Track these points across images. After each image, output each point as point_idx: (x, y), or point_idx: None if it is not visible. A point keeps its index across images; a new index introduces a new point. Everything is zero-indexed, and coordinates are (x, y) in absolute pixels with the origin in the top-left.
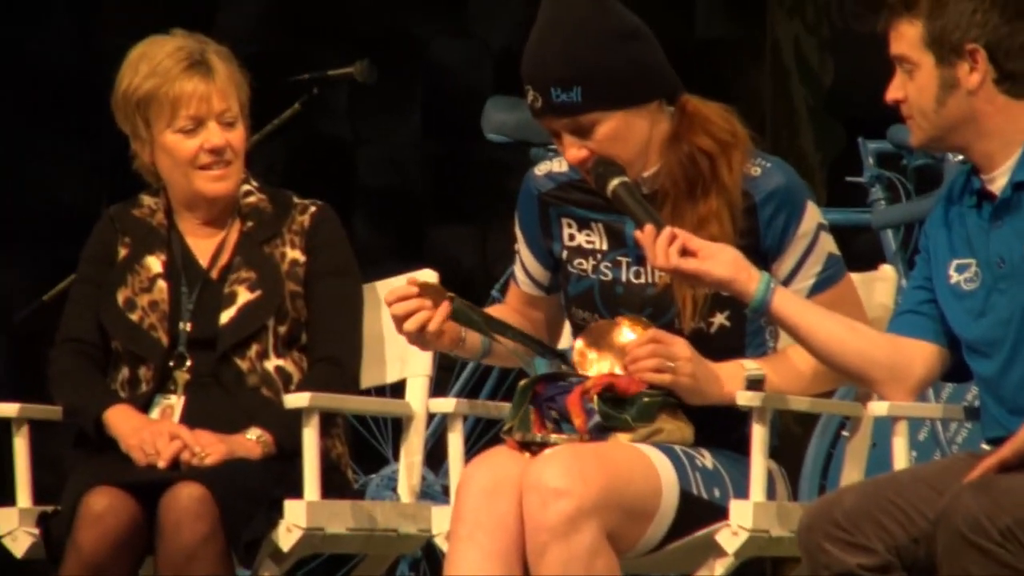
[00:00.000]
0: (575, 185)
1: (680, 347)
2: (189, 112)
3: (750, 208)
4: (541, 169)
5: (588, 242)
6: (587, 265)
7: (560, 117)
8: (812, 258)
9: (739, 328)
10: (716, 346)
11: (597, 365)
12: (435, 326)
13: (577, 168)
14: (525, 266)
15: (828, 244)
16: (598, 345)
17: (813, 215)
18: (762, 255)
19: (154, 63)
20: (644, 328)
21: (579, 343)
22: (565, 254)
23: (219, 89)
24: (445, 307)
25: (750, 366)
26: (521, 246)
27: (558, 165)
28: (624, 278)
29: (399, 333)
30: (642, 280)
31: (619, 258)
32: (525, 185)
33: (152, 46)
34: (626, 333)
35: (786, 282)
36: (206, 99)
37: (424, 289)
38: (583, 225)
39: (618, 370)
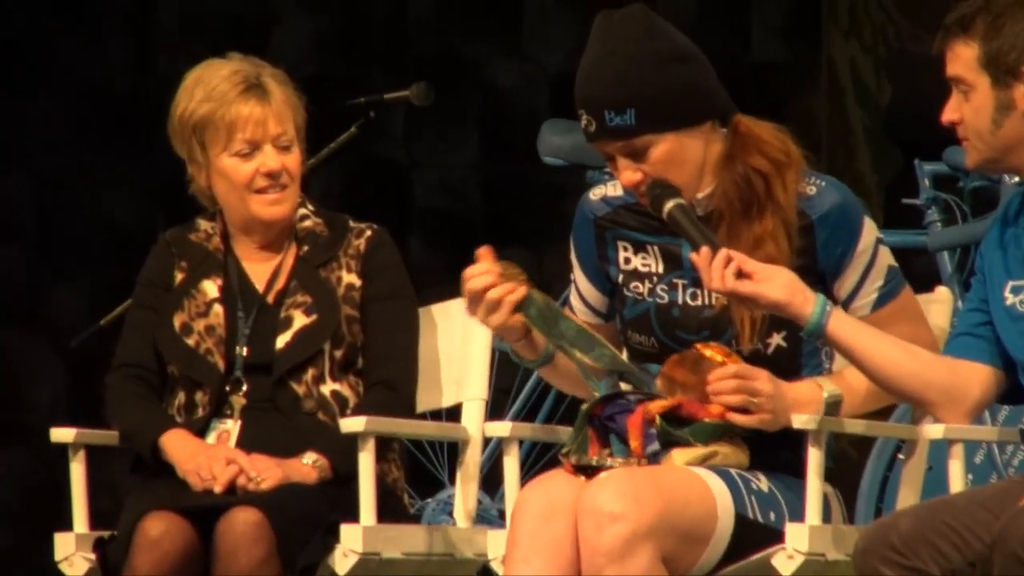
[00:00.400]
0: (630, 208)
1: (763, 382)
2: (245, 136)
3: (806, 227)
4: (596, 193)
5: (644, 265)
6: (643, 288)
7: (614, 140)
8: (873, 273)
9: (796, 349)
10: (773, 367)
11: (679, 392)
12: (506, 302)
13: (632, 191)
14: (581, 293)
15: (887, 257)
16: (682, 372)
17: (871, 230)
18: (819, 275)
19: (210, 87)
20: (727, 357)
21: (663, 369)
22: (621, 278)
23: (275, 112)
24: (521, 289)
25: (828, 387)
26: (577, 272)
27: (612, 189)
28: (681, 300)
29: (468, 310)
30: (699, 302)
31: (675, 280)
32: (580, 210)
33: (208, 70)
34: (712, 362)
35: (849, 299)
36: (262, 123)
37: (505, 271)
38: (639, 248)
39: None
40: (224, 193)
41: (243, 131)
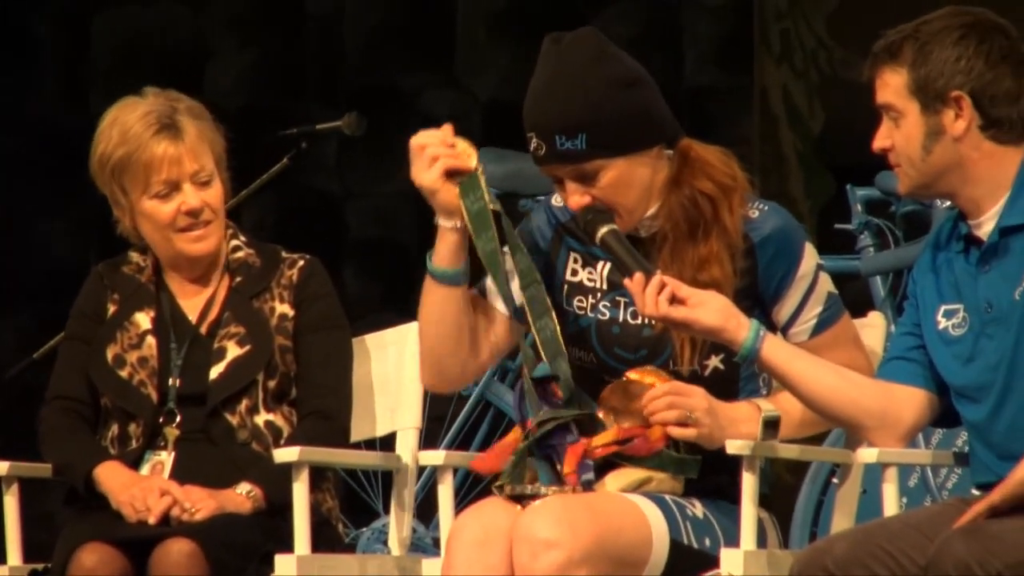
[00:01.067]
0: None
1: (698, 398)
2: (161, 177)
3: (748, 250)
4: (558, 201)
5: (589, 280)
6: (586, 303)
7: (564, 164)
8: (813, 299)
9: (733, 372)
10: (710, 389)
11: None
12: (441, 162)
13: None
14: (508, 283)
15: (827, 284)
16: (617, 399)
17: (811, 256)
18: (758, 298)
19: (124, 129)
20: (657, 378)
21: (602, 396)
22: (566, 289)
23: (189, 150)
24: (464, 161)
25: (766, 407)
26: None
27: None
28: (622, 318)
29: (414, 165)
30: (639, 321)
31: (618, 298)
32: (544, 210)
33: (123, 111)
34: (642, 385)
35: (788, 324)
36: (176, 162)
37: (458, 144)
38: (587, 262)
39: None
40: (149, 233)
41: (159, 172)
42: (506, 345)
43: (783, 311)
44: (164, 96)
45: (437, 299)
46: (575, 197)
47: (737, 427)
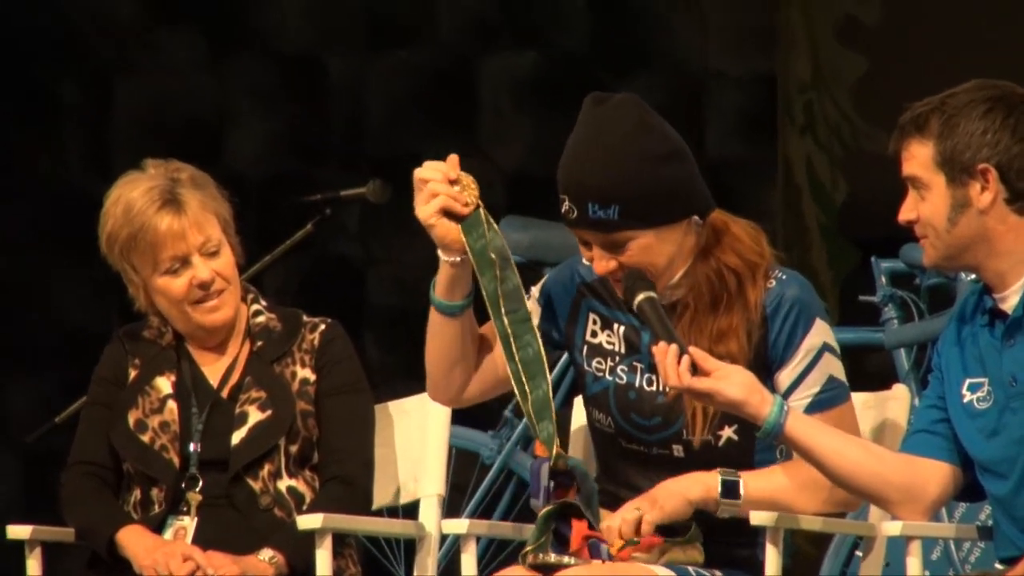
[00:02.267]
0: (610, 285)
1: (626, 511)
2: (168, 253)
3: (762, 320)
4: (587, 260)
5: (608, 343)
6: (604, 366)
7: (594, 231)
8: (813, 375)
9: (748, 443)
10: (724, 460)
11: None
12: (439, 199)
13: (605, 277)
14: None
15: (832, 366)
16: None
17: (821, 332)
18: (768, 367)
19: (128, 207)
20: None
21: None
22: (585, 350)
23: (193, 222)
24: (462, 200)
25: (722, 472)
26: (533, 303)
27: None
28: (638, 383)
29: (416, 197)
30: (654, 388)
31: (635, 363)
32: (569, 267)
33: (125, 188)
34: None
35: (786, 394)
36: (182, 236)
37: (461, 178)
38: (606, 324)
39: None
40: (165, 308)
41: (165, 249)
42: (506, 376)
43: (781, 379)
44: (165, 168)
45: (435, 325)
46: (601, 263)
47: (686, 491)
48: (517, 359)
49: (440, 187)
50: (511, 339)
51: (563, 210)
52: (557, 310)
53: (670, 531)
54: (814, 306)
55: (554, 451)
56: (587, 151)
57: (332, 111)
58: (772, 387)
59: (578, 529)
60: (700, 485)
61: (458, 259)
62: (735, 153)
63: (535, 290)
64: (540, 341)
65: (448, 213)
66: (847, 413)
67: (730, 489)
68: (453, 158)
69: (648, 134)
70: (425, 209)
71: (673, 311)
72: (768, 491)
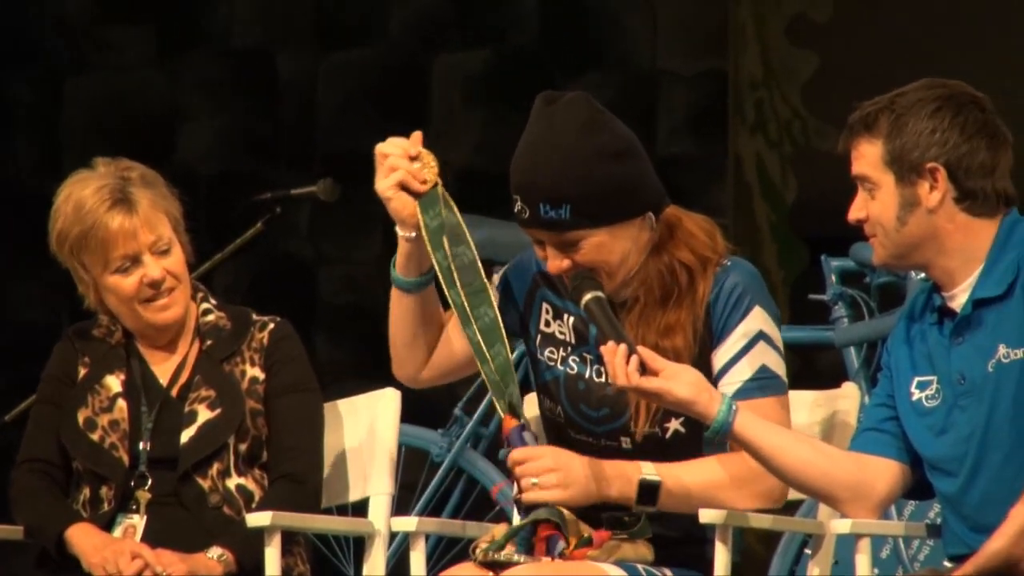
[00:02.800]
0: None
1: (544, 460)
2: (119, 252)
3: (706, 308)
4: None
5: (560, 333)
6: (556, 356)
7: (547, 231)
8: (744, 362)
9: (695, 435)
10: (672, 452)
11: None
12: (398, 173)
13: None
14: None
15: (767, 356)
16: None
17: (759, 320)
18: (712, 349)
19: (79, 205)
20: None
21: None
22: (539, 339)
23: (144, 221)
24: (421, 176)
25: (647, 470)
26: (492, 289)
27: None
28: (588, 374)
29: (377, 171)
30: (603, 379)
31: (585, 354)
32: (526, 257)
33: (76, 186)
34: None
35: (716, 378)
36: (133, 235)
37: (422, 156)
38: (557, 315)
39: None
40: (115, 306)
41: (116, 248)
42: (463, 356)
43: (716, 362)
44: (115, 166)
45: (395, 301)
46: (555, 262)
47: (607, 484)
48: (475, 327)
49: (399, 162)
50: (468, 309)
51: (516, 209)
52: (516, 297)
53: (619, 523)
54: (755, 293)
55: (521, 415)
56: (538, 150)
57: (283, 108)
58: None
59: (541, 528)
60: (618, 483)
61: (413, 235)
62: (686, 151)
63: (495, 277)
64: (497, 311)
65: (405, 188)
66: (777, 407)
67: (647, 493)
68: (416, 135)
69: (599, 132)
70: (383, 183)
71: (623, 307)
72: (694, 483)
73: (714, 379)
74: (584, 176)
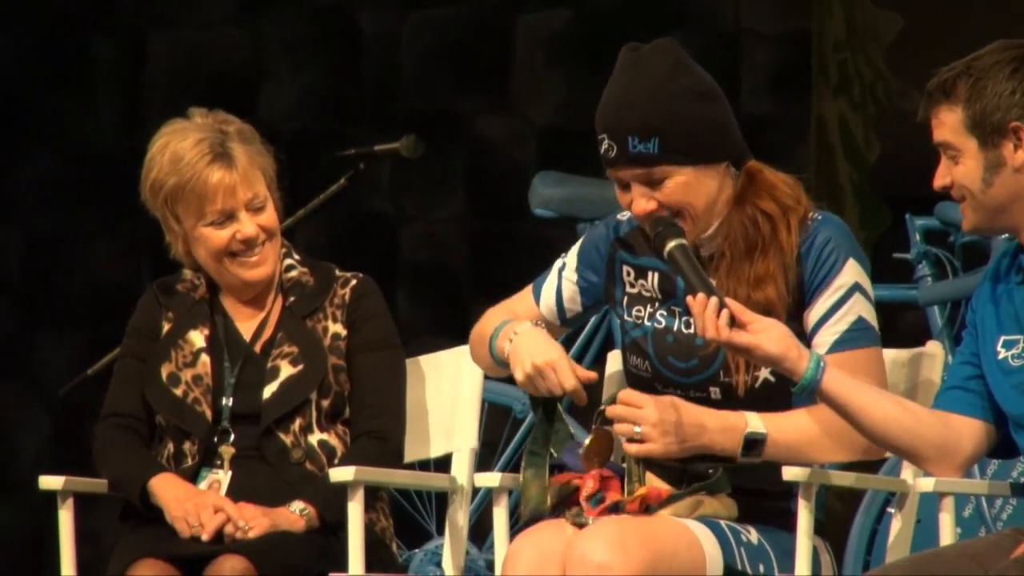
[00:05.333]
0: (643, 231)
1: (647, 411)
2: (216, 207)
3: (797, 259)
4: (624, 215)
5: (646, 291)
6: (643, 313)
7: (633, 167)
8: (839, 314)
9: (784, 384)
10: (763, 402)
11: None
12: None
13: (642, 220)
14: (561, 290)
15: (861, 307)
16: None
17: (853, 272)
18: (802, 307)
19: (176, 157)
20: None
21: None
22: (625, 300)
23: (243, 177)
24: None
25: (752, 423)
26: (569, 270)
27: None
28: (676, 327)
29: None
30: (692, 331)
31: (673, 308)
32: (606, 224)
33: (173, 136)
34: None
35: (813, 332)
36: (231, 192)
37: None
38: (640, 274)
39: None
40: (203, 258)
41: (214, 202)
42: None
43: (811, 317)
44: (212, 119)
45: (487, 360)
46: (641, 202)
47: (710, 436)
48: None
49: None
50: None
51: (602, 150)
52: (595, 268)
53: (699, 476)
54: (848, 246)
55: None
56: (626, 91)
57: (365, 66)
58: (801, 326)
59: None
60: (721, 437)
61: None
62: (768, 111)
63: (573, 250)
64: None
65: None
66: (874, 358)
67: (752, 446)
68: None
69: (686, 74)
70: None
71: (709, 262)
72: (792, 436)
73: (811, 331)
74: (673, 111)
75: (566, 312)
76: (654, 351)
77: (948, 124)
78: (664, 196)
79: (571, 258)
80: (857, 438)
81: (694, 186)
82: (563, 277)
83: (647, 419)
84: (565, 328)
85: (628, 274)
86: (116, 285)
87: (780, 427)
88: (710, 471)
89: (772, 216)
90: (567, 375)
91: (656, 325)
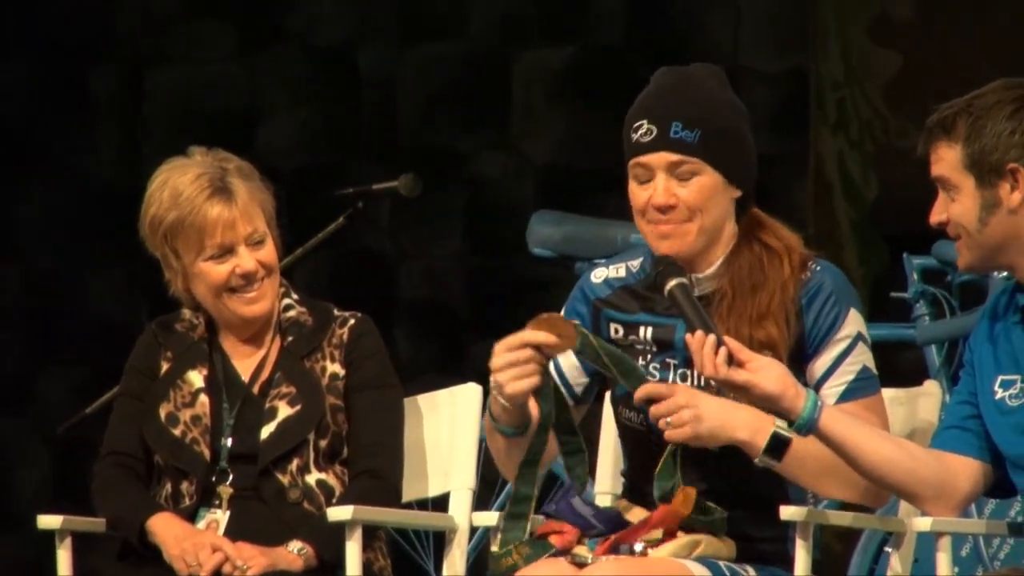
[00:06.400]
0: (630, 290)
1: (679, 397)
2: (215, 241)
3: (798, 311)
4: (598, 276)
5: (639, 344)
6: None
7: (670, 152)
8: (846, 364)
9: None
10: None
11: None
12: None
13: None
14: (562, 370)
15: (865, 356)
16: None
17: (855, 323)
18: (802, 357)
19: (176, 192)
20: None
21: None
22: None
23: (243, 212)
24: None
25: (780, 425)
26: None
27: (614, 271)
28: (671, 380)
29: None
30: (688, 383)
31: (668, 360)
32: (580, 288)
33: (173, 173)
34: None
35: (819, 384)
36: (231, 226)
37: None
38: (630, 330)
39: None
40: (203, 294)
41: (213, 236)
42: None
43: (816, 369)
44: (212, 156)
45: (501, 444)
46: (662, 194)
47: (736, 428)
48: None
49: (533, 367)
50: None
51: (635, 138)
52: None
53: (701, 510)
54: (849, 296)
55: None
56: (674, 87)
57: (364, 104)
58: (805, 377)
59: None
60: (749, 430)
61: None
62: (767, 149)
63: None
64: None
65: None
66: (877, 404)
67: (775, 446)
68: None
69: (731, 92)
70: (516, 386)
71: (708, 303)
72: (813, 452)
73: (816, 383)
74: (719, 114)
75: (573, 387)
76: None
77: (947, 160)
78: (687, 194)
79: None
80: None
81: (715, 195)
82: (558, 362)
83: (676, 405)
84: (581, 407)
85: (616, 331)
86: (116, 321)
87: (804, 444)
88: (715, 513)
89: (776, 251)
90: (522, 335)
91: (649, 378)
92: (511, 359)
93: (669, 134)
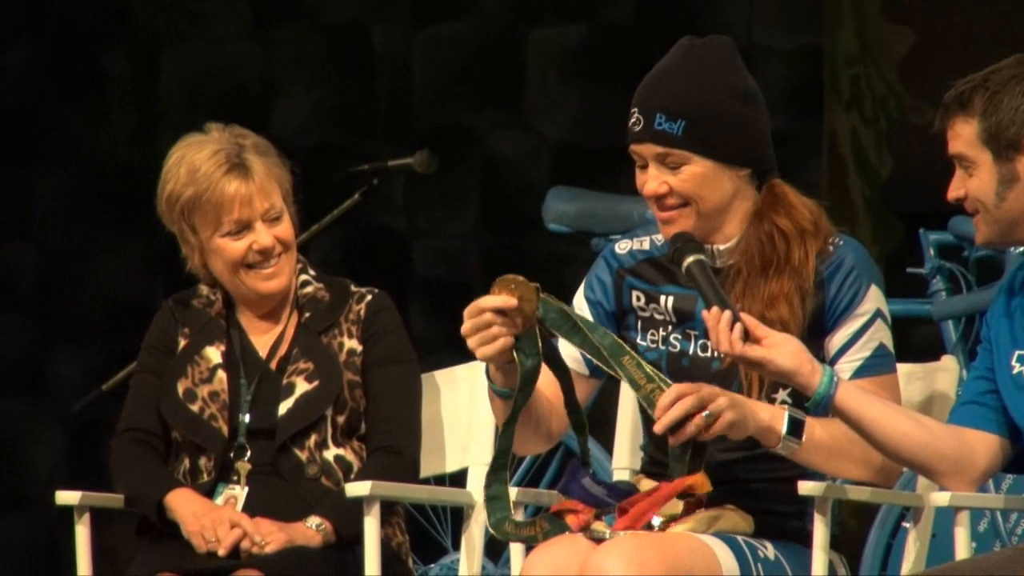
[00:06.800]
0: (654, 262)
1: (707, 390)
2: (233, 217)
3: (819, 284)
4: (622, 247)
5: (659, 313)
6: (657, 336)
7: (655, 144)
8: (863, 340)
9: (800, 406)
10: None
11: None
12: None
13: (652, 201)
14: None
15: (883, 334)
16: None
17: (875, 299)
18: (821, 331)
19: (193, 168)
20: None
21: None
22: (640, 324)
23: (260, 188)
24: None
25: (792, 409)
26: (581, 301)
27: (638, 244)
28: (692, 351)
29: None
30: (708, 354)
31: (688, 331)
32: (603, 258)
33: (190, 149)
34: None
35: (835, 358)
36: (248, 202)
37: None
38: (651, 299)
39: None
40: (220, 271)
41: (231, 212)
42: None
43: (833, 343)
44: (229, 132)
45: (499, 405)
46: (652, 183)
47: (756, 414)
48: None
49: (503, 329)
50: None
51: (630, 123)
52: (605, 298)
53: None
54: (871, 272)
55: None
56: (669, 71)
57: (378, 82)
58: (823, 351)
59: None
60: (768, 412)
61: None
62: (781, 126)
63: (578, 295)
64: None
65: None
66: (892, 383)
67: (795, 428)
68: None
69: (732, 72)
70: (486, 350)
71: (727, 277)
72: (828, 437)
73: (833, 357)
74: (706, 101)
75: (592, 360)
76: (670, 375)
77: (963, 136)
78: (678, 182)
79: (578, 301)
80: (876, 455)
81: (710, 181)
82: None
83: (710, 396)
84: (596, 380)
85: (638, 299)
86: (131, 300)
87: (818, 424)
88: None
89: (787, 235)
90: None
91: (671, 348)
92: (473, 324)
93: (653, 126)
